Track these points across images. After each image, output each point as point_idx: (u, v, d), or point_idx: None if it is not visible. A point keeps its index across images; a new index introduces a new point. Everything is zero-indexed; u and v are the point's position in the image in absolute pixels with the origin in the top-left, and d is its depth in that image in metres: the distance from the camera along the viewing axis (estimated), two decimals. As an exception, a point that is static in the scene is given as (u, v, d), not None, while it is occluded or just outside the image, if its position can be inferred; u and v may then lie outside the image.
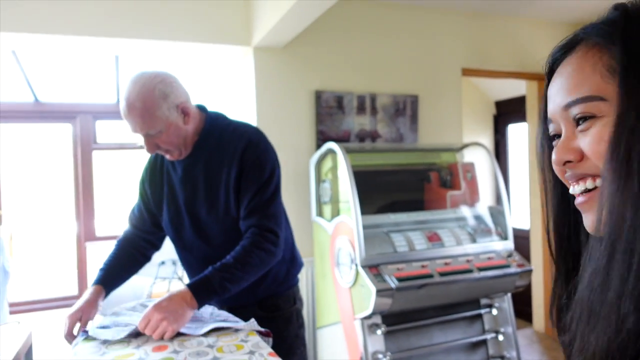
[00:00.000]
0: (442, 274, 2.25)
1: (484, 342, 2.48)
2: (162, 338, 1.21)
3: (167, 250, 4.53)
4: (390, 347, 2.27)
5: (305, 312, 2.78)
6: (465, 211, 2.63)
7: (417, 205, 2.69)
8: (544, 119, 0.57)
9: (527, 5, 3.13)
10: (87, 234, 4.47)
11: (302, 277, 2.79)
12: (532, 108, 3.73)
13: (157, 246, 1.63)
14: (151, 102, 1.31)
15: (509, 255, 2.46)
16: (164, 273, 4.20)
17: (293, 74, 2.80)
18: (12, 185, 4.38)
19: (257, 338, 1.22)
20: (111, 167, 4.66)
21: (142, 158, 1.63)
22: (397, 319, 2.31)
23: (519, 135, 4.40)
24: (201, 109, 1.49)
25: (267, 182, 1.42)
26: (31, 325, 1.50)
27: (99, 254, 4.39)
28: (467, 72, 3.25)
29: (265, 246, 1.37)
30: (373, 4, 2.96)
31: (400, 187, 2.76)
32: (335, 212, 2.51)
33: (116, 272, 1.52)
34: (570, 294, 0.56)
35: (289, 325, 1.53)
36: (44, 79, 3.98)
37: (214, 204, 1.43)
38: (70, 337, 1.33)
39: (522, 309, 3.84)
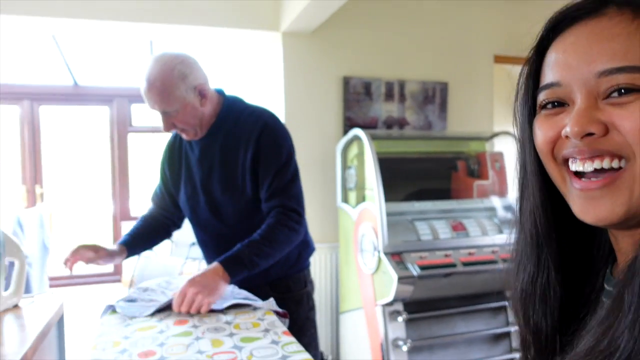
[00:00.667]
0: (466, 264, 2.24)
1: (507, 335, 2.46)
2: (199, 312, 1.26)
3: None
4: (411, 334, 2.28)
5: (328, 298, 2.82)
6: (492, 201, 2.59)
7: (443, 194, 2.67)
8: (534, 88, 0.52)
9: (566, -9, 3.03)
10: (122, 214, 4.64)
11: (327, 262, 2.82)
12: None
13: (177, 225, 1.71)
14: (170, 82, 1.36)
15: (536, 247, 2.42)
16: (195, 254, 4.32)
17: (321, 60, 2.81)
18: (53, 165, 4.56)
19: (273, 317, 1.26)
20: (145, 150, 4.80)
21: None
22: (418, 307, 2.31)
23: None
24: (219, 92, 1.54)
25: (285, 164, 1.46)
26: (65, 297, 1.58)
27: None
28: (499, 59, 3.18)
29: (290, 224, 1.43)
30: (405, -11, 2.92)
31: (427, 176, 2.74)
32: (360, 199, 2.52)
33: (139, 241, 1.61)
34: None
35: (299, 307, 1.56)
36: (83, 63, 4.11)
37: (229, 184, 1.48)
38: (68, 262, 1.42)
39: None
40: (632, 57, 0.42)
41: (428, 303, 2.33)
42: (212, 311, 1.30)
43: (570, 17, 0.48)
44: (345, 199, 2.69)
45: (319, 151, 2.78)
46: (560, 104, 0.48)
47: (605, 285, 0.50)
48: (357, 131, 2.46)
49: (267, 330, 1.16)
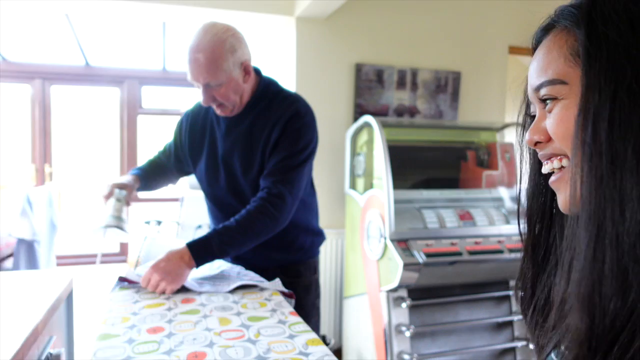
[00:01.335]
0: (472, 253, 2.25)
1: (510, 324, 2.47)
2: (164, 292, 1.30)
3: (203, 214, 4.66)
4: (414, 320, 2.30)
5: (333, 282, 2.84)
6: (500, 192, 2.59)
7: (452, 183, 2.67)
8: (526, 98, 0.58)
9: (584, -19, 2.98)
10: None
11: (333, 247, 2.84)
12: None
13: (175, 180, 1.74)
14: (220, 53, 1.33)
15: (543, 239, 2.42)
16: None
17: (334, 46, 2.79)
18: (63, 144, 4.59)
19: (280, 298, 1.27)
20: (155, 132, 4.82)
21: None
22: (423, 294, 2.33)
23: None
24: (257, 72, 1.51)
25: (299, 152, 1.43)
26: (73, 275, 1.61)
27: (141, 216, 4.58)
28: (514, 50, 3.15)
29: (270, 212, 1.38)
30: (419, -24, 2.89)
31: (436, 164, 2.73)
32: (368, 186, 2.53)
33: (150, 177, 1.64)
34: (543, 283, 0.56)
35: (308, 294, 1.57)
36: (95, 43, 4.12)
37: (250, 165, 1.47)
38: (107, 198, 1.47)
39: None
40: (548, 72, 0.49)
41: (432, 290, 2.35)
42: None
43: (537, 39, 0.55)
44: (353, 186, 2.70)
45: (328, 137, 2.78)
46: None
47: None
48: (367, 118, 2.46)
49: (274, 310, 1.18)
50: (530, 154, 0.58)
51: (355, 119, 2.79)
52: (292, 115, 1.43)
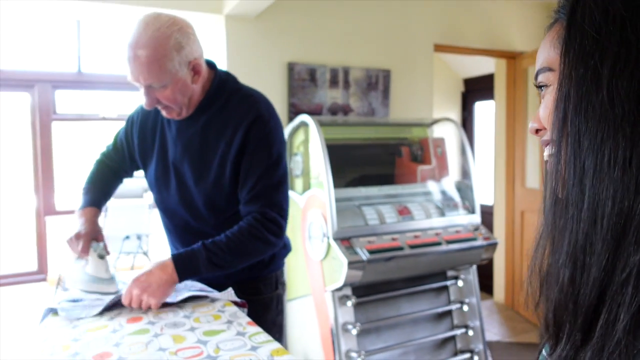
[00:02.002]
0: (412, 247, 2.29)
1: (449, 313, 2.56)
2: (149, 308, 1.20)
3: (132, 224, 4.43)
4: (359, 318, 2.31)
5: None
6: (434, 185, 2.67)
7: (388, 179, 2.72)
8: None
9: (499, -17, 3.15)
10: (46, 208, 4.33)
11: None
12: (500, 86, 3.79)
13: (130, 174, 1.58)
14: (163, 51, 1.17)
15: (476, 229, 2.53)
16: (129, 247, 4.13)
17: (265, 45, 2.75)
18: (-35, 156, 4.16)
19: (234, 308, 1.22)
20: (72, 139, 4.50)
21: (104, 130, 1.58)
22: (366, 291, 2.35)
23: (486, 112, 4.48)
24: (210, 65, 1.35)
25: (274, 164, 1.30)
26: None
27: (60, 229, 4.26)
28: (438, 48, 3.27)
29: (264, 236, 1.27)
30: (346, -25, 2.91)
31: (372, 161, 2.77)
32: (307, 186, 2.51)
33: (104, 195, 1.48)
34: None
35: (267, 312, 1.43)
36: (1, 44, 3.77)
37: (203, 173, 1.33)
38: (86, 253, 1.30)
39: (484, 282, 3.98)
40: (542, 61, 0.51)
41: (375, 286, 2.37)
42: (166, 305, 1.24)
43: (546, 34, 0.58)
44: (291, 187, 2.66)
45: (263, 138, 2.72)
46: None
47: None
48: (304, 117, 2.44)
49: (230, 322, 1.12)
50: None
51: (290, 118, 2.76)
52: (254, 120, 1.27)
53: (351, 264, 2.14)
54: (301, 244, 2.51)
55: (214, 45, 2.80)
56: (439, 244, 2.36)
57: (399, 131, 2.87)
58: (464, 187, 2.67)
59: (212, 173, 1.32)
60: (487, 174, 4.07)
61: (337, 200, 2.29)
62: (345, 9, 2.92)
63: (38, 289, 4.22)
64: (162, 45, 1.17)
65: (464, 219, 2.55)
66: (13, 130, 4.35)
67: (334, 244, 2.21)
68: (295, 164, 2.60)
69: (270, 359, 0.92)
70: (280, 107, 2.78)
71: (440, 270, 2.54)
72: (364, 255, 2.17)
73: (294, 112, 2.78)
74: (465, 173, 2.69)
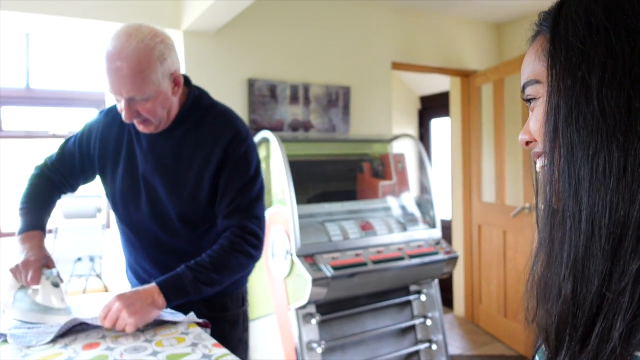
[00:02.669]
0: (375, 262, 2.30)
1: (412, 327, 2.56)
2: (124, 331, 1.12)
3: (84, 245, 4.24)
4: (324, 335, 2.28)
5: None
6: (395, 201, 2.70)
7: (350, 195, 2.72)
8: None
9: (454, 4, 3.26)
10: (-9, 230, 4.08)
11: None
12: (454, 103, 3.90)
13: (73, 189, 1.47)
14: (147, 63, 1.14)
15: (437, 243, 2.56)
16: (81, 270, 3.94)
17: (225, 61, 2.72)
18: None
19: (198, 329, 1.17)
20: (18, 158, 4.29)
21: (54, 147, 1.48)
22: (330, 308, 2.33)
23: (442, 129, 4.60)
24: (185, 79, 1.34)
25: (252, 179, 1.31)
26: None
27: (5, 252, 4.02)
28: (396, 66, 3.33)
29: (246, 249, 1.27)
30: (306, -6, 2.94)
31: (334, 177, 2.77)
32: (269, 203, 2.48)
33: (44, 213, 1.37)
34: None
35: (234, 329, 1.42)
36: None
37: (178, 187, 1.30)
38: (37, 282, 1.21)
39: (444, 296, 4.03)
40: (529, 74, 0.52)
41: (339, 303, 2.35)
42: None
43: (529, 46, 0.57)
44: (252, 204, 2.62)
45: (223, 155, 2.68)
46: None
47: None
48: (265, 133, 2.42)
49: (194, 345, 1.07)
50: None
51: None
52: (233, 137, 1.28)
53: (315, 281, 2.11)
54: (264, 262, 2.46)
55: (172, 60, 2.75)
56: (401, 258, 2.38)
57: (359, 147, 2.90)
58: (424, 202, 2.71)
59: (187, 187, 1.30)
60: (445, 189, 4.15)
61: (300, 216, 2.27)
62: (305, 26, 2.94)
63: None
64: (147, 56, 1.14)
65: (425, 234, 2.58)
66: (-46, 148, 4.10)
67: (297, 261, 2.18)
68: (256, 181, 2.56)
69: (239, 382, 0.88)
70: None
71: (403, 285, 2.55)
72: (328, 271, 2.15)
73: (254, 128, 2.76)
74: (424, 188, 2.74)
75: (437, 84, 4.37)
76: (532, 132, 0.52)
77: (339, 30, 3.05)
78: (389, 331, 2.48)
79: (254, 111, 2.77)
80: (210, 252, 1.25)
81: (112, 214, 1.47)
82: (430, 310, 2.60)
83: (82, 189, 1.50)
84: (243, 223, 1.28)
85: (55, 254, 3.84)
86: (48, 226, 1.38)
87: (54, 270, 1.26)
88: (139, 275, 1.44)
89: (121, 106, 1.20)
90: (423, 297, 2.57)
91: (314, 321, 2.24)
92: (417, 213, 2.69)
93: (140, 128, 1.27)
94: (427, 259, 2.44)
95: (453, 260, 2.53)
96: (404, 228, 2.55)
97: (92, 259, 3.98)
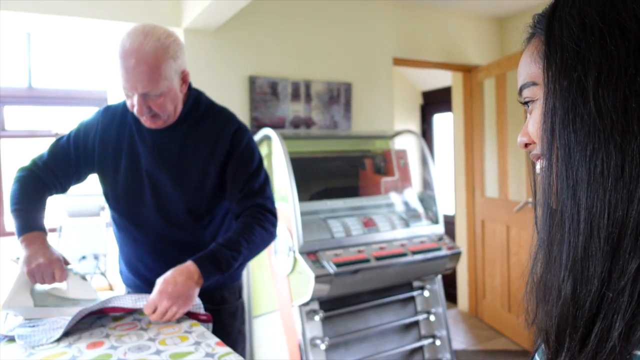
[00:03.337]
0: (378, 258, 2.30)
1: (416, 323, 2.57)
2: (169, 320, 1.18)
3: (88, 244, 4.26)
4: (327, 332, 2.29)
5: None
6: (398, 197, 2.70)
7: (352, 191, 2.72)
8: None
9: (454, -1, 3.25)
10: (-5, 229, 4.10)
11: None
12: (457, 98, 3.89)
13: (64, 189, 1.46)
14: (164, 60, 1.21)
15: (440, 239, 2.56)
16: (85, 268, 3.96)
17: (226, 59, 2.72)
18: None
19: (201, 328, 1.17)
20: (22, 157, 4.30)
21: (40, 150, 1.47)
22: (334, 305, 2.33)
23: (444, 124, 4.59)
24: None
25: (259, 166, 1.41)
26: None
27: (10, 250, 4.04)
28: (397, 61, 3.32)
29: (267, 226, 1.34)
30: (306, -10, 2.93)
31: (336, 174, 2.77)
32: (272, 200, 2.48)
33: (41, 213, 1.36)
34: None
35: (234, 320, 1.48)
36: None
37: (185, 180, 1.36)
38: (64, 278, 1.25)
39: (447, 291, 4.03)
40: (525, 76, 0.52)
41: (342, 299, 2.36)
42: (124, 310, 1.19)
43: (523, 48, 0.57)
44: (255, 201, 2.63)
45: (225, 153, 2.68)
46: None
47: None
48: (267, 131, 2.42)
49: (198, 343, 1.08)
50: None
51: (253, 132, 2.73)
52: (237, 130, 1.38)
53: (318, 278, 2.12)
54: (267, 259, 2.47)
55: (174, 58, 2.75)
56: (404, 254, 2.38)
57: (361, 144, 2.89)
58: (427, 198, 2.71)
59: (193, 179, 1.36)
60: (448, 184, 4.15)
61: (302, 213, 2.28)
62: (306, 23, 2.94)
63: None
64: (163, 54, 1.22)
65: (428, 230, 2.58)
66: (-43, 148, 4.12)
67: (300, 258, 2.19)
68: (259, 178, 2.57)
69: (242, 380, 0.89)
70: (242, 120, 2.75)
71: (406, 281, 2.55)
72: (330, 268, 2.16)
73: (256, 125, 2.76)
74: (427, 184, 2.73)
75: (439, 79, 4.36)
76: (530, 134, 0.52)
77: (340, 26, 3.04)
78: (392, 327, 2.48)
79: (256, 109, 2.77)
80: (237, 229, 1.31)
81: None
82: (434, 305, 2.60)
83: (86, 187, 1.52)
84: (259, 202, 1.36)
85: (60, 252, 3.86)
86: (52, 225, 1.39)
87: (73, 267, 1.28)
88: (139, 272, 1.46)
89: (132, 102, 1.26)
90: (426, 293, 2.57)
91: (317, 318, 2.24)
92: (420, 209, 2.69)
93: (148, 124, 1.32)
94: (430, 255, 2.44)
95: (456, 256, 2.53)
96: (406, 224, 2.55)
97: (96, 257, 4.00)
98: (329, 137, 2.84)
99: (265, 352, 2.58)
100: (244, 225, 1.32)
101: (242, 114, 2.76)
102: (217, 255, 1.25)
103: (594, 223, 0.42)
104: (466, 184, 3.81)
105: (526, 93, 0.52)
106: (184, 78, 1.32)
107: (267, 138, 2.46)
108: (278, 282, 2.38)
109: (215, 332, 1.22)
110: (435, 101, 4.63)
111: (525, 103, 0.53)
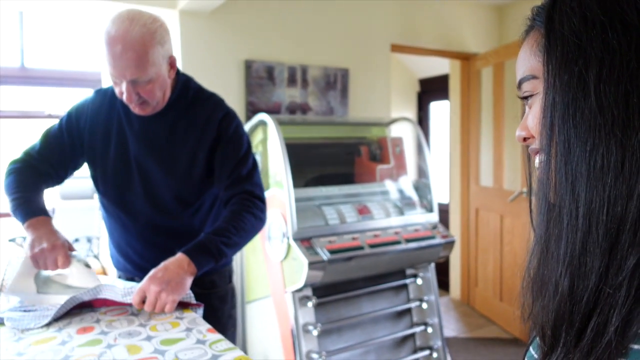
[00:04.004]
0: (372, 246, 2.30)
1: (408, 311, 2.58)
2: (163, 312, 1.14)
3: (81, 226, 4.24)
4: (320, 318, 2.29)
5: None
6: (393, 184, 2.69)
7: (347, 178, 2.71)
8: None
9: (454, -15, 3.21)
10: (-12, 211, 4.07)
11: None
12: (454, 86, 3.87)
13: (60, 180, 1.45)
14: (151, 46, 1.19)
15: (434, 227, 2.56)
16: (78, 251, 3.95)
17: (222, 42, 2.68)
18: None
19: (193, 314, 1.17)
20: (15, 138, 4.26)
21: (32, 140, 1.44)
22: (327, 291, 2.33)
23: (441, 112, 4.57)
24: None
25: (247, 152, 1.39)
26: None
27: (2, 232, 4.02)
28: (395, 48, 3.29)
29: (256, 212, 1.33)
30: (304, -27, 2.88)
31: (331, 161, 2.76)
32: (266, 186, 2.46)
33: (42, 199, 1.35)
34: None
35: (224, 305, 1.48)
36: None
37: (173, 167, 1.35)
38: (67, 265, 1.23)
39: (440, 279, 4.05)
40: (523, 70, 0.51)
41: (335, 286, 2.36)
42: (114, 304, 1.18)
43: (522, 41, 0.56)
44: (249, 187, 2.61)
45: (220, 137, 2.66)
46: None
47: None
48: (262, 116, 2.39)
49: (189, 330, 1.07)
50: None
51: (248, 117, 2.71)
52: (225, 115, 1.37)
53: (312, 265, 2.12)
54: (260, 245, 2.46)
55: (168, 41, 2.71)
56: (398, 242, 2.38)
57: (357, 130, 2.88)
58: (422, 186, 2.70)
59: (181, 166, 1.35)
60: (443, 172, 4.14)
61: (297, 200, 2.27)
62: (303, 7, 2.89)
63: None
64: (150, 40, 1.19)
65: (422, 218, 2.58)
66: (-51, 128, 4.06)
67: (294, 244, 2.18)
68: (253, 164, 2.55)
69: (233, 368, 0.88)
70: (237, 105, 2.73)
71: (399, 268, 2.56)
72: (324, 255, 2.15)
73: (251, 110, 2.73)
74: (422, 172, 2.72)
75: (436, 66, 4.33)
76: (529, 129, 0.51)
77: (338, 11, 3.00)
78: (385, 314, 2.49)
79: (251, 93, 2.74)
80: (225, 217, 1.30)
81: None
82: (427, 293, 2.61)
83: (80, 170, 1.48)
84: (247, 189, 1.35)
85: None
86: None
87: (78, 253, 1.27)
88: (129, 257, 1.46)
89: (121, 89, 1.23)
90: (419, 281, 2.58)
91: (310, 304, 2.25)
92: (415, 197, 2.68)
93: (137, 110, 1.30)
94: (424, 243, 2.44)
95: (450, 244, 2.54)
96: (401, 212, 2.55)
97: (89, 240, 3.98)
98: (325, 123, 2.82)
99: (257, 337, 2.59)
100: (232, 212, 1.31)
101: (238, 98, 2.73)
102: (207, 243, 1.24)
103: (592, 219, 0.42)
104: (461, 172, 3.81)
105: (526, 86, 0.51)
106: (172, 63, 1.30)
107: (262, 123, 2.44)
108: (271, 268, 2.37)
109: (205, 316, 1.21)
110: (432, 89, 4.60)
111: (525, 97, 0.52)
